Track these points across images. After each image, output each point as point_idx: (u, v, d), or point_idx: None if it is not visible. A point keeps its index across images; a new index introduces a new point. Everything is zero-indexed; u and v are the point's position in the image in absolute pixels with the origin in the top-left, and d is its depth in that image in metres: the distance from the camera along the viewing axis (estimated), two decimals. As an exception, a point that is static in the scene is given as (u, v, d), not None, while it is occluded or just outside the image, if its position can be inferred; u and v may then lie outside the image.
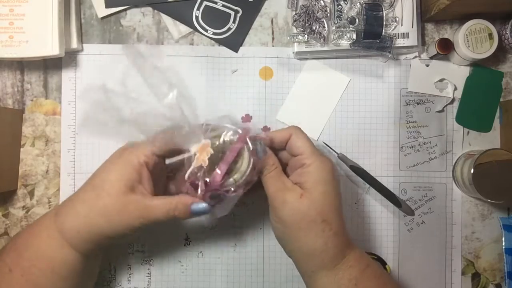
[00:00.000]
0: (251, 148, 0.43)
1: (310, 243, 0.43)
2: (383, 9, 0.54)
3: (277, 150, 0.48)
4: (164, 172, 0.48)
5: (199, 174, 0.42)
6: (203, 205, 0.43)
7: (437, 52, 0.55)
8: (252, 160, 0.43)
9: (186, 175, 0.42)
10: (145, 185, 0.44)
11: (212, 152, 0.42)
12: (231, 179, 0.43)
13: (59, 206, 0.46)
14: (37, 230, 0.44)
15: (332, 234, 0.43)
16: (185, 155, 0.43)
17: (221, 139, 0.43)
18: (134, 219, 0.42)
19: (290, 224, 0.44)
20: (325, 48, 0.56)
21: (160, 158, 0.45)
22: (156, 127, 0.42)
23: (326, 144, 0.57)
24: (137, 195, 0.43)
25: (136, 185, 0.43)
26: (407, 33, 0.56)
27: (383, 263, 0.56)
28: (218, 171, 0.42)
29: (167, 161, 0.45)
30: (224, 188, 0.43)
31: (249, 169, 0.43)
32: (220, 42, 0.58)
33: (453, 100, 0.58)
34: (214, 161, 0.42)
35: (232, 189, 0.43)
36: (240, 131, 0.44)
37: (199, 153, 0.42)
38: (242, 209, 0.57)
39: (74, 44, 0.56)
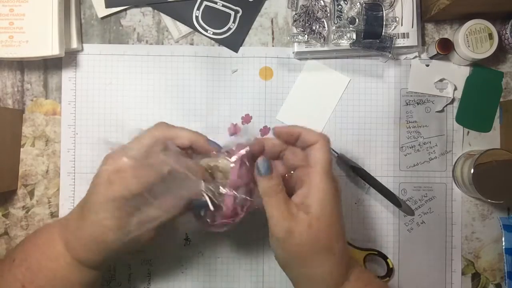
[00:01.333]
0: (247, 163, 0.42)
1: (313, 271, 0.41)
2: (383, 9, 0.54)
3: (277, 158, 0.46)
4: None
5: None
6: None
7: (437, 52, 0.55)
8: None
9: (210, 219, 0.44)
10: None
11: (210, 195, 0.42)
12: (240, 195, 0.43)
13: (65, 230, 0.44)
14: (50, 254, 0.43)
15: (335, 261, 0.41)
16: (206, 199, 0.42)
17: (219, 166, 0.43)
18: (144, 234, 0.42)
19: (294, 254, 0.41)
20: (325, 48, 0.56)
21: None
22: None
23: (326, 144, 0.57)
24: (135, 216, 0.42)
25: (124, 207, 0.42)
26: (407, 33, 0.56)
27: (384, 257, 0.56)
28: (227, 198, 0.42)
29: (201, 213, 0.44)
30: (239, 208, 0.43)
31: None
32: (220, 42, 0.58)
33: (453, 100, 0.58)
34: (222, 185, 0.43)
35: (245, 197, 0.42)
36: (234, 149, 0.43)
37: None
38: (242, 209, 0.57)
39: (74, 44, 0.56)
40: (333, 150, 0.57)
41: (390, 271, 0.56)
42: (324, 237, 0.41)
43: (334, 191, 0.42)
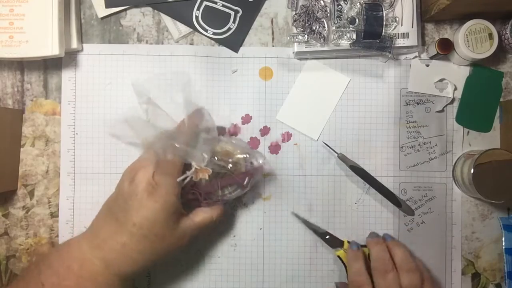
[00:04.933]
0: (247, 186, 0.50)
1: None
2: (383, 9, 0.54)
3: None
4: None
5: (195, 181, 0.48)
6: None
7: (437, 52, 0.55)
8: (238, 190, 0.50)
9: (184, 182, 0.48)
10: (177, 204, 0.47)
11: (210, 173, 0.48)
12: (220, 192, 0.50)
13: (104, 255, 0.45)
14: (86, 274, 0.45)
15: None
16: (190, 173, 0.48)
17: (234, 162, 0.49)
18: (187, 240, 0.48)
19: None
20: (325, 48, 0.56)
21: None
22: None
23: (326, 144, 0.57)
24: (183, 221, 0.47)
25: (174, 210, 0.46)
26: (407, 33, 0.56)
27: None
28: (215, 185, 0.50)
29: (179, 179, 0.47)
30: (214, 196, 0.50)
31: (234, 194, 0.51)
32: (220, 42, 0.58)
33: (453, 100, 0.58)
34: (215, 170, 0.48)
35: (219, 198, 0.50)
36: (256, 163, 0.50)
37: (199, 171, 0.48)
38: (242, 209, 0.57)
39: (74, 44, 0.56)
40: (333, 150, 0.57)
41: None
42: None
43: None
